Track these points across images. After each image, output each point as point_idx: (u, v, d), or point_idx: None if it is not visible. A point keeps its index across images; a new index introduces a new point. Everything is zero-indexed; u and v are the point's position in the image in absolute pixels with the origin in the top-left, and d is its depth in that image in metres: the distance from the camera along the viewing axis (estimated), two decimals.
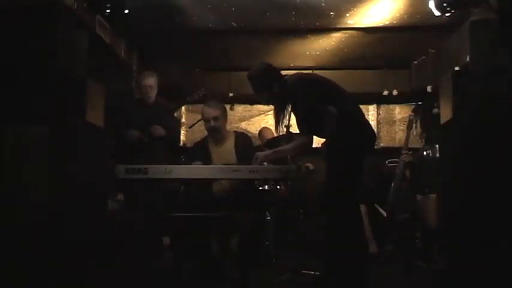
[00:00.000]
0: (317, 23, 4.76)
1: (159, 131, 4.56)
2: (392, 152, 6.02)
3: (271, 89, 3.35)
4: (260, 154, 3.42)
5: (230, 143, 4.06)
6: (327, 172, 3.30)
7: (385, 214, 4.65)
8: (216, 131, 4.01)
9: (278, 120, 3.45)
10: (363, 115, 3.41)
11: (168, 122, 4.73)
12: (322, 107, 3.16)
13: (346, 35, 5.07)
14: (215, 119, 3.96)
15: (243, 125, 6.97)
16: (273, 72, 3.41)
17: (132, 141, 4.47)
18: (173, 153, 5.02)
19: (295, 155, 3.59)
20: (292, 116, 3.56)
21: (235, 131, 4.38)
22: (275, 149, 3.59)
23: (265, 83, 3.36)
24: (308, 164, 3.54)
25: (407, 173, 4.82)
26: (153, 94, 4.68)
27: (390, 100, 6.56)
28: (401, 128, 6.88)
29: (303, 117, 3.34)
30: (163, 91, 5.06)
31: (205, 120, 4.00)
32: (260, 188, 4.39)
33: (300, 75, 3.45)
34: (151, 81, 4.67)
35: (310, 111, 3.23)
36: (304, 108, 3.27)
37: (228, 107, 4.21)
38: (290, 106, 3.37)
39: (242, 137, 4.19)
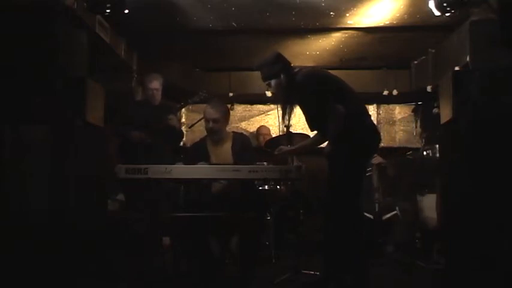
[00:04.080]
0: (317, 23, 4.75)
1: (173, 121, 4.62)
2: (393, 152, 6.04)
3: (279, 78, 3.33)
4: (284, 147, 3.49)
5: (228, 143, 4.05)
6: (330, 172, 3.29)
7: (371, 216, 4.63)
8: (214, 133, 3.99)
9: (284, 113, 3.43)
10: (370, 116, 3.40)
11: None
12: (330, 104, 3.14)
13: (346, 35, 5.07)
14: (215, 120, 3.94)
15: (243, 125, 6.97)
16: (282, 61, 3.38)
17: (134, 142, 4.47)
18: (175, 153, 5.02)
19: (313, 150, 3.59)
20: (293, 116, 3.56)
21: (233, 132, 4.36)
22: (298, 145, 3.62)
23: (274, 71, 3.34)
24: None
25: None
26: (158, 96, 4.78)
27: (390, 100, 6.55)
28: (402, 128, 6.88)
29: (311, 113, 3.32)
30: (163, 91, 5.06)
31: (206, 120, 3.99)
32: (260, 188, 4.39)
33: (311, 70, 3.43)
34: (157, 84, 4.73)
35: (318, 107, 3.20)
36: (312, 104, 3.25)
37: (228, 107, 4.19)
38: (297, 99, 3.35)
39: (240, 138, 4.18)
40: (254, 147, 4.90)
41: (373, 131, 3.30)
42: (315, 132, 3.47)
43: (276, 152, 3.50)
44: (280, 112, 3.48)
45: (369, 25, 4.77)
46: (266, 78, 3.39)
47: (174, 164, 3.68)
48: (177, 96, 5.84)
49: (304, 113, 3.40)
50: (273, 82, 3.36)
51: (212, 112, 3.95)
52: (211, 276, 3.67)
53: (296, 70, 3.38)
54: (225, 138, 4.07)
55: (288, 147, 3.54)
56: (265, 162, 4.28)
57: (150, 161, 3.81)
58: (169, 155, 4.74)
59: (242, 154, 3.94)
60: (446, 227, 3.46)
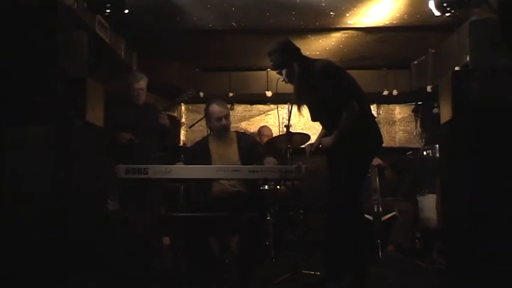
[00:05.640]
0: (317, 23, 4.76)
1: (165, 120, 4.60)
2: (393, 152, 6.04)
3: (291, 67, 3.25)
4: (325, 140, 3.24)
5: (232, 143, 4.05)
6: (331, 171, 3.29)
7: (371, 217, 4.63)
8: (227, 129, 4.02)
9: (299, 103, 3.35)
10: (374, 117, 3.39)
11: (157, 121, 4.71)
12: (347, 99, 3.11)
13: (346, 35, 5.07)
14: (227, 116, 3.98)
15: (243, 125, 6.97)
16: (293, 49, 3.31)
17: (123, 143, 4.45)
18: (169, 152, 5.00)
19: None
20: (292, 116, 3.55)
21: (236, 131, 4.37)
22: (336, 133, 3.15)
23: (283, 60, 3.27)
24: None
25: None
26: (143, 96, 4.70)
27: (390, 100, 6.56)
28: (402, 128, 6.89)
29: (321, 104, 3.26)
30: (163, 91, 5.06)
31: (218, 118, 3.95)
32: (260, 188, 4.39)
33: (330, 61, 3.34)
34: (143, 84, 4.67)
35: (332, 99, 3.15)
36: (326, 94, 3.17)
37: (228, 107, 4.19)
38: (311, 89, 3.26)
39: (245, 137, 4.19)
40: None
41: (377, 133, 3.30)
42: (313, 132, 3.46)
43: (322, 145, 3.24)
44: (281, 112, 3.46)
45: (369, 25, 4.77)
46: (276, 67, 3.31)
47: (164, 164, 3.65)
48: (176, 97, 5.82)
49: (311, 103, 3.34)
50: (284, 71, 3.29)
51: (222, 109, 3.97)
52: (211, 276, 3.67)
53: (311, 60, 3.31)
54: (228, 137, 4.07)
55: (329, 139, 3.19)
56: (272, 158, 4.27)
57: (136, 161, 3.77)
58: (159, 155, 4.70)
59: (251, 153, 3.93)
60: (446, 227, 3.46)
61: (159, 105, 4.93)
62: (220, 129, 4.00)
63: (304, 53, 3.39)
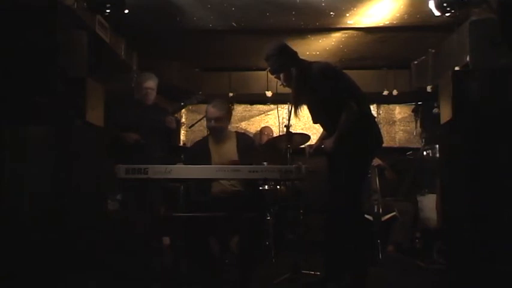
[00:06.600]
0: (317, 23, 4.76)
1: (172, 123, 4.60)
2: (393, 152, 6.04)
3: (288, 71, 3.27)
4: (326, 142, 3.25)
5: (232, 143, 4.06)
6: (332, 171, 3.28)
7: (371, 218, 4.62)
8: (217, 131, 4.01)
9: (296, 105, 3.37)
10: (374, 117, 3.39)
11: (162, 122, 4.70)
12: (345, 100, 3.12)
13: (346, 35, 5.07)
14: (217, 119, 3.96)
15: (243, 125, 6.97)
16: (290, 53, 3.33)
17: (128, 143, 4.44)
18: (170, 153, 5.00)
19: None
20: (292, 116, 3.55)
21: (236, 131, 4.37)
22: (336, 134, 3.18)
23: (280, 64, 3.29)
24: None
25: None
26: (152, 96, 4.70)
27: (390, 100, 6.56)
28: (402, 128, 6.89)
29: (321, 106, 3.28)
30: (163, 91, 5.04)
31: (208, 119, 4.00)
32: (260, 188, 4.39)
33: (328, 63, 3.37)
34: (151, 83, 4.67)
35: (331, 101, 3.17)
36: (325, 96, 3.19)
37: (226, 108, 4.18)
38: (310, 91, 3.28)
39: (244, 138, 4.20)
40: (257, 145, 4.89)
41: (377, 133, 3.30)
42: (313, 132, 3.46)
43: (323, 147, 3.28)
44: (281, 112, 3.47)
45: (369, 25, 4.77)
46: (273, 71, 3.33)
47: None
48: (177, 97, 5.84)
49: (311, 106, 3.36)
50: (282, 75, 3.31)
51: (214, 111, 3.97)
52: (211, 276, 3.67)
53: (308, 62, 3.33)
54: (227, 137, 4.08)
55: (330, 141, 3.20)
56: (265, 162, 4.29)
57: (141, 161, 3.78)
58: (164, 156, 4.70)
59: (248, 154, 3.94)
60: (446, 227, 3.46)
61: (169, 107, 4.94)
62: (209, 130, 4.04)
63: (304, 54, 3.40)
